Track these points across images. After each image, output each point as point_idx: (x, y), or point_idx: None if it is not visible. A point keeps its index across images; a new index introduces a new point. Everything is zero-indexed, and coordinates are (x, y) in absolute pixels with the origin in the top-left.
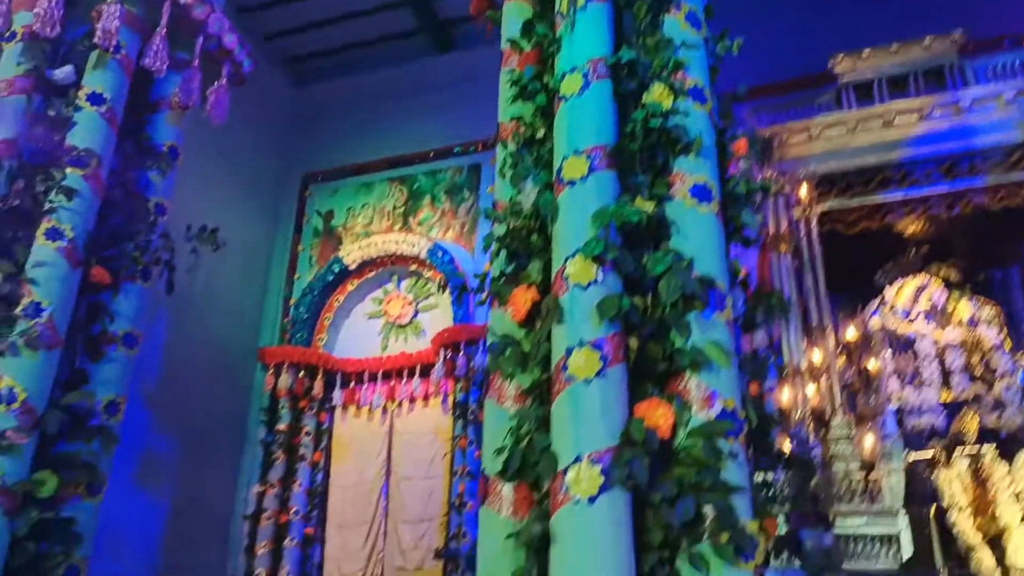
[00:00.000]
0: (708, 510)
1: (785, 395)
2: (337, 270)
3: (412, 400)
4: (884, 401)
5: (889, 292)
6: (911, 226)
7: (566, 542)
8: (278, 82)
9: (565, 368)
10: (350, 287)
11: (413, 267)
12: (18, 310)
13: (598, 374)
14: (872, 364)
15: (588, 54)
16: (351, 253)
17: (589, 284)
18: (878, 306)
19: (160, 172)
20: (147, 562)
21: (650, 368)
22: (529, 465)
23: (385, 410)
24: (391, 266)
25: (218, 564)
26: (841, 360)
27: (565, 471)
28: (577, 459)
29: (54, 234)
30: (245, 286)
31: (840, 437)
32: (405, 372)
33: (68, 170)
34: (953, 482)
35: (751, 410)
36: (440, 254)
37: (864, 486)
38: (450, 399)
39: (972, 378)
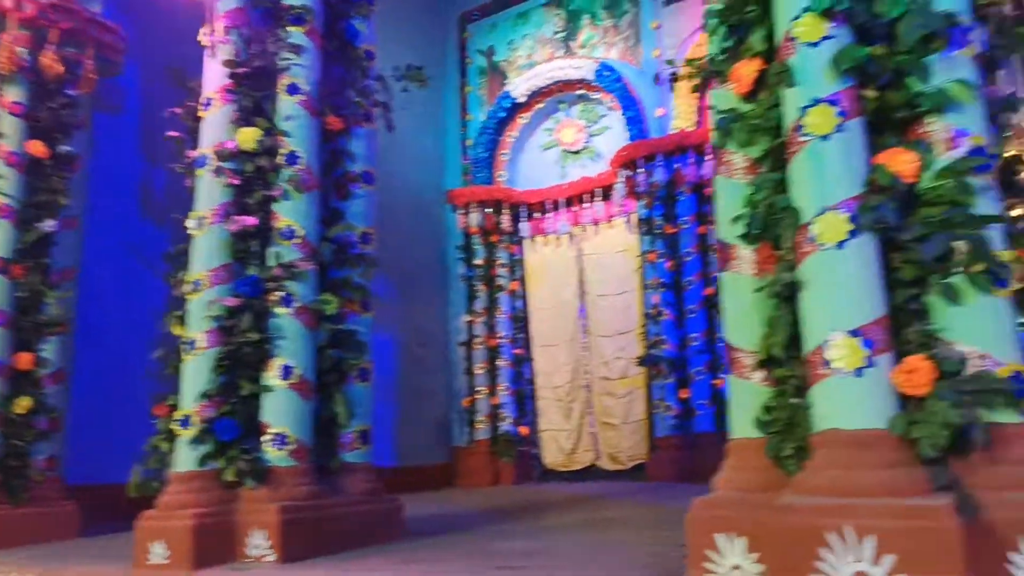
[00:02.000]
0: (959, 245)
1: None
2: (507, 105)
3: (596, 223)
4: None
5: None
6: None
7: (816, 286)
8: None
9: (800, 128)
10: (521, 121)
11: (581, 91)
12: (280, 159)
13: (836, 129)
14: None
15: None
16: (518, 86)
17: (820, 41)
18: None
19: (363, 19)
20: (391, 385)
21: (888, 118)
22: (769, 226)
23: (572, 235)
24: (559, 93)
25: (445, 384)
26: None
27: (809, 224)
28: (823, 211)
29: (293, 89)
30: (423, 132)
31: None
32: (587, 197)
33: (290, 28)
34: None
35: (1000, 146)
36: (607, 74)
37: None
38: (633, 217)
39: None
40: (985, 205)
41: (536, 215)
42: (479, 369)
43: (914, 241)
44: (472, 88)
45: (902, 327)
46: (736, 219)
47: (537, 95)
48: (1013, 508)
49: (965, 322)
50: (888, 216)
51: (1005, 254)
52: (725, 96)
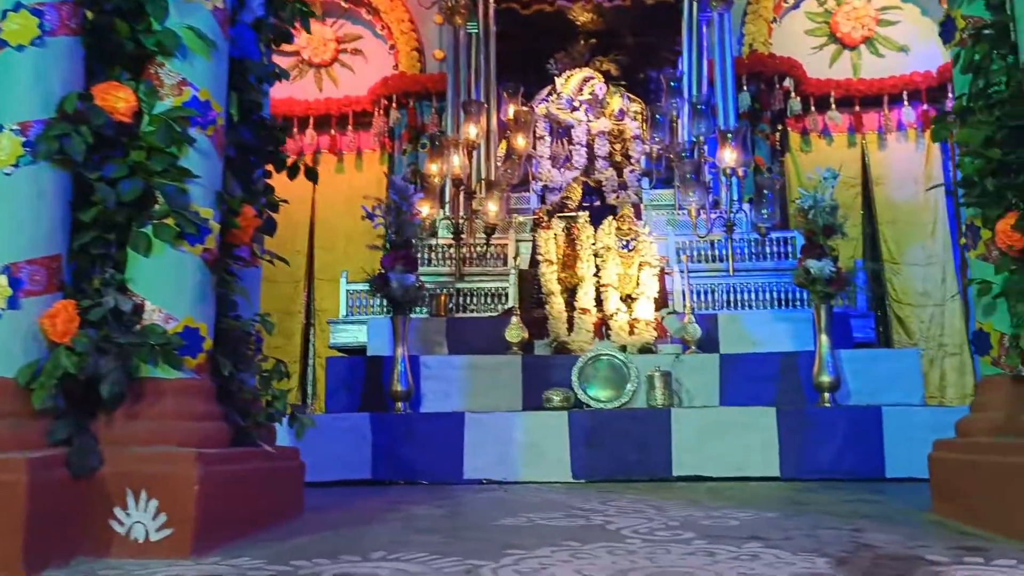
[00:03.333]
0: (159, 195)
1: (436, 165)
2: None
3: None
4: (520, 173)
5: (559, 82)
6: (581, 15)
7: None
8: None
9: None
10: None
11: None
12: None
13: (34, 42)
14: (519, 141)
15: None
16: None
17: None
18: (548, 94)
19: None
20: None
21: (119, 50)
22: None
23: None
24: None
25: None
26: (503, 144)
27: None
28: None
29: None
30: None
31: (478, 208)
32: None
33: None
34: (549, 241)
35: (235, 108)
36: None
37: (485, 250)
38: None
39: (611, 164)
40: (196, 159)
41: None
42: None
43: (110, 183)
44: None
45: (87, 271)
46: None
47: None
48: (128, 462)
49: (150, 274)
50: (71, 149)
51: (205, 211)
52: None
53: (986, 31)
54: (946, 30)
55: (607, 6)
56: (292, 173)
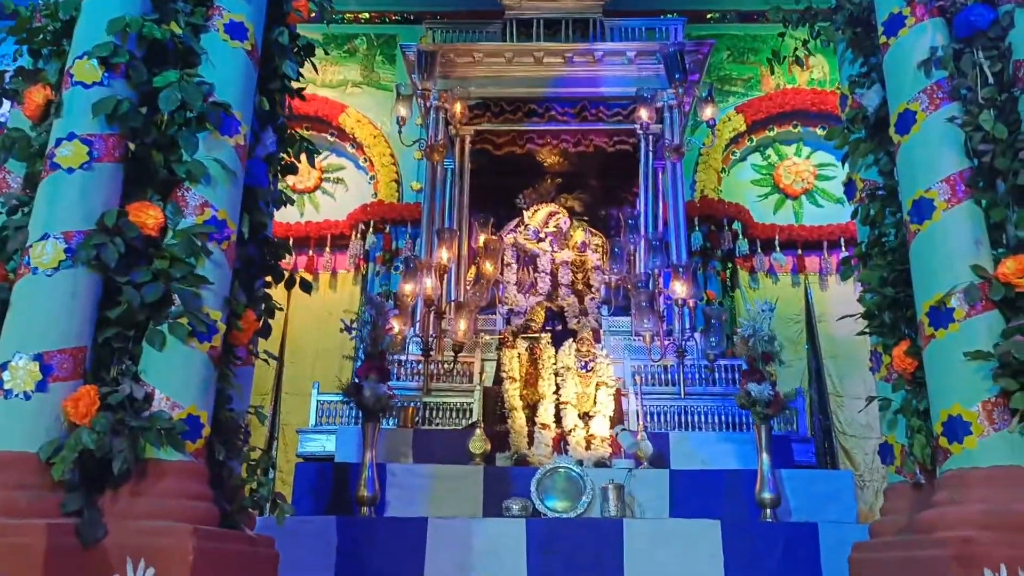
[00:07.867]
0: (175, 298)
1: (409, 286)
2: None
3: None
4: (487, 297)
5: (527, 215)
6: (548, 157)
7: (20, 307)
8: None
9: (52, 157)
10: None
11: None
12: None
13: (83, 166)
14: (488, 267)
15: None
16: None
17: (93, 84)
18: (516, 225)
19: None
20: None
21: (153, 176)
22: (2, 244)
23: None
24: None
25: None
26: (473, 269)
27: (30, 247)
28: (44, 236)
29: None
30: None
31: (446, 327)
32: None
33: None
34: (513, 359)
35: (247, 227)
36: None
37: (452, 366)
38: None
39: (573, 292)
40: (211, 268)
41: None
42: None
43: (136, 286)
44: None
45: (107, 362)
46: None
47: None
48: (129, 534)
49: (162, 366)
50: (106, 256)
51: (214, 313)
52: (18, 117)
53: (879, 192)
54: (849, 190)
55: (572, 151)
56: (289, 284)
